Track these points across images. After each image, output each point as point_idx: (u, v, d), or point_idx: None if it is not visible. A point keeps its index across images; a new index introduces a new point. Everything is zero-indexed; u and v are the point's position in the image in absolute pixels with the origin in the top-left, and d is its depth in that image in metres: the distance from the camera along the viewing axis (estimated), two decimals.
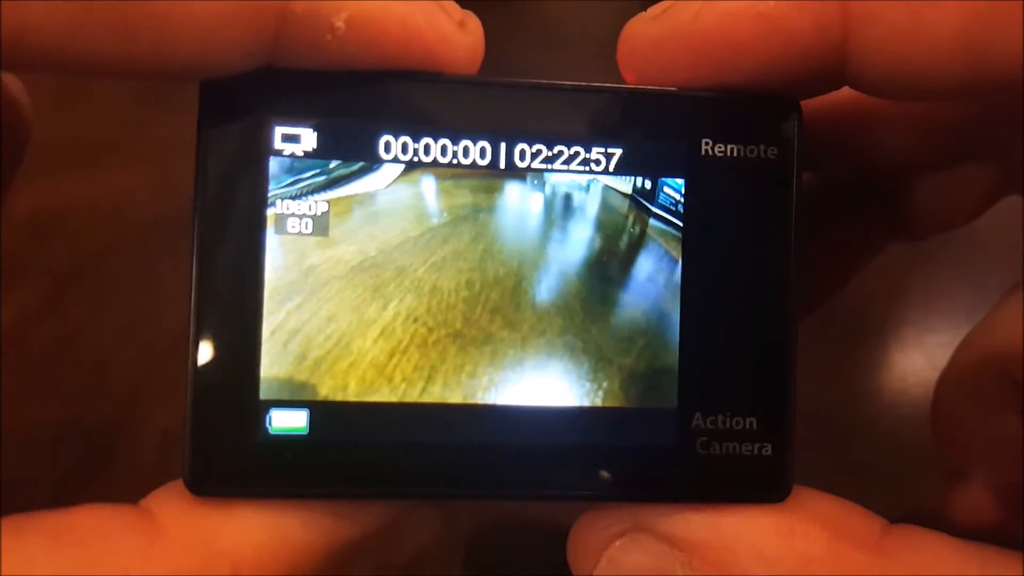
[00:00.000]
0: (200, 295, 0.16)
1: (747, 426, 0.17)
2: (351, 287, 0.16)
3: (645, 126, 0.17)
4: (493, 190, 0.16)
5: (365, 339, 0.16)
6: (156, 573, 0.14)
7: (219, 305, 0.16)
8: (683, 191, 0.17)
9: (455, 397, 0.16)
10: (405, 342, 0.16)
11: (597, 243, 0.17)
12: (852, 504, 0.17)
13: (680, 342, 0.17)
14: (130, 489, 0.16)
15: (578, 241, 0.17)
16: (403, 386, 0.16)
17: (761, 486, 0.16)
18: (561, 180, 0.17)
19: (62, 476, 0.32)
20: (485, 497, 0.20)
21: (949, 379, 0.22)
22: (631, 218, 0.17)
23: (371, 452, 0.16)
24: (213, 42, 0.14)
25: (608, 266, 0.17)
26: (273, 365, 0.16)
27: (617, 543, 0.16)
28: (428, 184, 0.16)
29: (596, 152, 0.17)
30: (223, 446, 0.16)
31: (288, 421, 0.16)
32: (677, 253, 0.17)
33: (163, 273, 0.38)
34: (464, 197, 0.16)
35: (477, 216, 0.16)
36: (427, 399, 0.16)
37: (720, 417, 0.17)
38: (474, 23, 0.16)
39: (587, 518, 0.17)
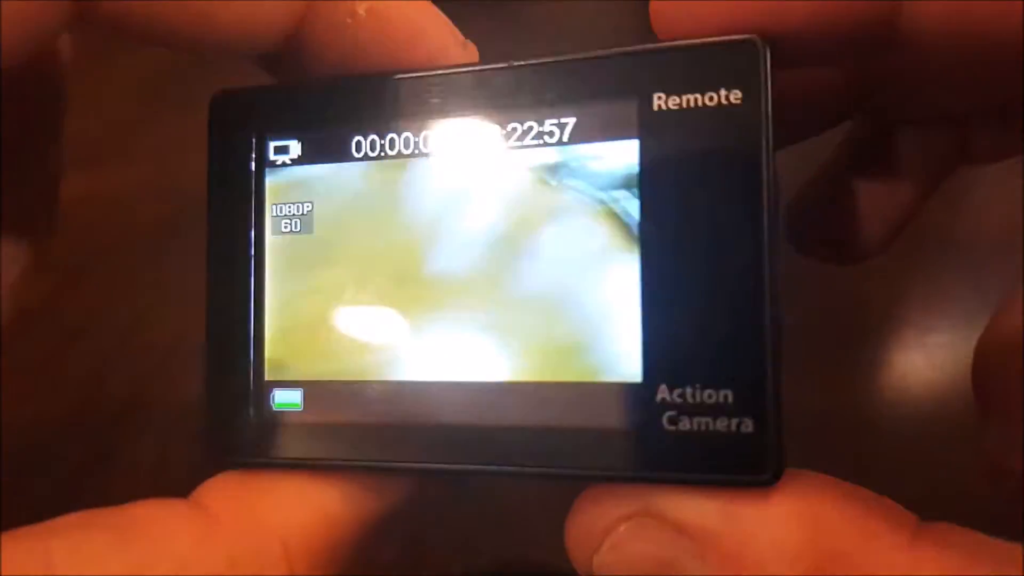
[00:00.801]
0: (212, 291, 0.18)
1: (720, 399, 0.15)
2: (333, 275, 0.17)
3: (592, 91, 0.16)
4: (444, 171, 0.17)
5: (343, 321, 0.17)
6: (217, 558, 0.15)
7: (229, 301, 0.18)
8: (638, 153, 0.15)
9: (414, 374, 0.17)
10: (373, 322, 0.17)
11: (529, 216, 0.16)
12: (882, 497, 0.15)
13: (642, 310, 0.15)
14: (130, 489, 0.16)
15: (516, 217, 0.16)
16: (373, 366, 0.17)
17: (743, 466, 0.15)
18: (504, 157, 0.16)
19: (62, 476, 0.32)
20: (439, 474, 0.18)
21: (991, 338, 0.20)
22: (563, 190, 0.16)
23: (351, 427, 0.17)
24: (253, 12, 0.16)
25: (540, 239, 0.16)
26: (275, 350, 0.18)
27: (622, 528, 0.15)
28: (397, 174, 0.17)
29: (549, 124, 0.16)
30: (237, 422, 0.17)
31: (287, 399, 0.17)
32: (622, 219, 0.16)
33: (164, 273, 0.38)
34: (426, 181, 0.17)
35: (425, 197, 0.17)
36: (394, 377, 0.17)
37: (688, 389, 0.15)
38: (473, 49, 0.18)
39: (590, 497, 0.16)
